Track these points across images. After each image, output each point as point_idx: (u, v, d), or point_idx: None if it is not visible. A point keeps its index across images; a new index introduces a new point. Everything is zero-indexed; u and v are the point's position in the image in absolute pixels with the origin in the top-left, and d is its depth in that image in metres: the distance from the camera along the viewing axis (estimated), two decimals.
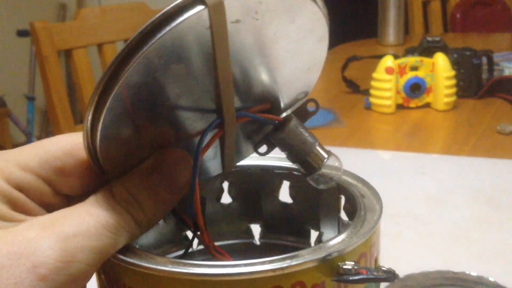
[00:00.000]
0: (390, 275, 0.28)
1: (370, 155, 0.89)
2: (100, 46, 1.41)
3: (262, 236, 0.44)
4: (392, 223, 0.64)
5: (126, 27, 1.44)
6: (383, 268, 0.29)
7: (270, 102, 0.34)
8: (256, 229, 0.44)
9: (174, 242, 0.42)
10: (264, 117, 0.34)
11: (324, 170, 0.34)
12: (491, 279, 0.55)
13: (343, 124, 1.01)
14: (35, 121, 2.76)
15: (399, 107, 1.05)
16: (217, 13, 0.26)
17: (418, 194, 0.73)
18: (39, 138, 2.79)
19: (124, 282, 0.30)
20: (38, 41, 1.28)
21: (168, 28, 0.26)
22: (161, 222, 0.41)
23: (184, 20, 0.26)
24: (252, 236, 0.44)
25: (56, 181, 0.31)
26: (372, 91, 1.06)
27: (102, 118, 0.28)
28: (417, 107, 1.06)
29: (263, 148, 0.37)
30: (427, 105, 1.06)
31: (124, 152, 0.31)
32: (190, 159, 0.32)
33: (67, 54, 1.36)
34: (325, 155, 0.34)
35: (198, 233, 0.34)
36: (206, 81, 0.30)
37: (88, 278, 0.29)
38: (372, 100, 1.06)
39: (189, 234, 0.42)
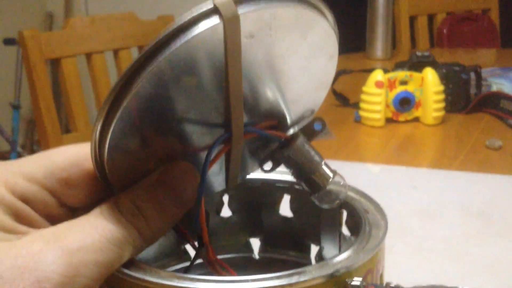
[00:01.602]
0: None
1: (360, 168, 0.89)
2: (88, 55, 1.41)
3: (262, 250, 0.43)
4: None
5: (115, 37, 1.44)
6: (390, 285, 0.28)
7: (277, 119, 0.34)
8: (255, 243, 0.44)
9: (172, 256, 0.42)
10: (271, 134, 0.34)
11: (328, 188, 0.34)
12: None
13: (333, 137, 1.01)
14: (20, 130, 2.74)
15: (389, 120, 1.06)
16: (232, 27, 0.26)
17: (409, 208, 0.74)
18: (24, 147, 2.76)
19: None
20: (27, 50, 1.27)
21: (183, 40, 0.26)
22: None
23: (200, 33, 0.26)
24: (251, 250, 0.44)
25: (61, 192, 0.31)
26: (362, 105, 1.06)
27: (111, 129, 0.28)
28: (406, 121, 1.06)
29: (268, 165, 0.37)
30: (416, 119, 1.07)
31: (131, 164, 0.31)
32: (197, 172, 0.32)
33: (56, 63, 1.35)
34: (331, 174, 0.34)
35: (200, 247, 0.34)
36: (216, 95, 0.30)
37: None
38: (361, 113, 1.07)
39: (188, 247, 0.42)
